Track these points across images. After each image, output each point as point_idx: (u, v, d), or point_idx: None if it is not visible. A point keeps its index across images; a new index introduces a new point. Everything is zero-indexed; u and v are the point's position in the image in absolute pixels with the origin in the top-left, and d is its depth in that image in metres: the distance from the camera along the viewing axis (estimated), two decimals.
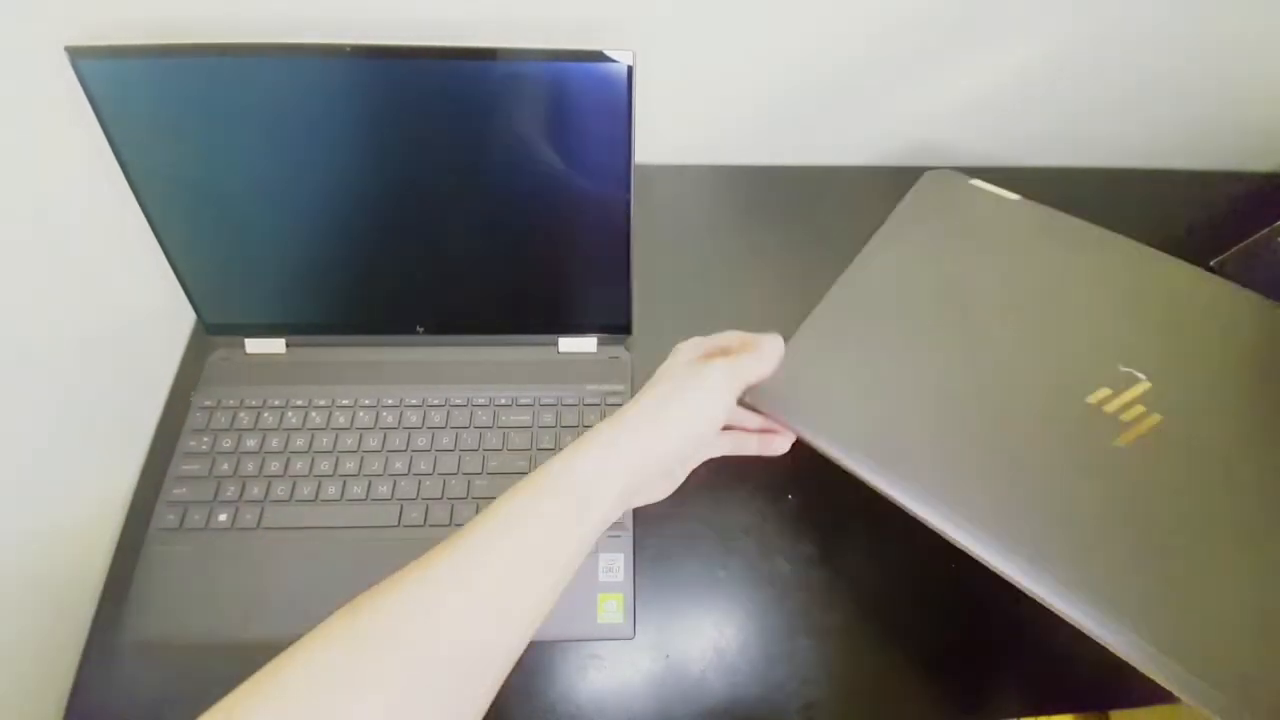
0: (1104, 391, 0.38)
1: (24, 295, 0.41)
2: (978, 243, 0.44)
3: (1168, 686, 0.31)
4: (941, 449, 0.37)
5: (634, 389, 0.53)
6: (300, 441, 0.50)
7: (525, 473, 0.48)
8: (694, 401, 0.34)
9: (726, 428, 0.40)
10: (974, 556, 0.35)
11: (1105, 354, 0.40)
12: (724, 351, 0.38)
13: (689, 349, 0.38)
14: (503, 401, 0.52)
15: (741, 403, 0.38)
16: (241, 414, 0.51)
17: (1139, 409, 0.38)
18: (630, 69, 0.41)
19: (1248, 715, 0.29)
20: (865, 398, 0.38)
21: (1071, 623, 0.33)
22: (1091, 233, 0.46)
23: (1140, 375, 0.39)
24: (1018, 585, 0.34)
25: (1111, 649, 0.32)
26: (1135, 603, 0.32)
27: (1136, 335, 0.40)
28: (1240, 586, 0.33)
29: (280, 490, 0.48)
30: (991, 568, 0.34)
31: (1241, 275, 0.60)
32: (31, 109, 0.42)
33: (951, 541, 0.35)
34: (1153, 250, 0.45)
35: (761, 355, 0.37)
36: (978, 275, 0.43)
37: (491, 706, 0.42)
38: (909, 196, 0.46)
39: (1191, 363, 0.40)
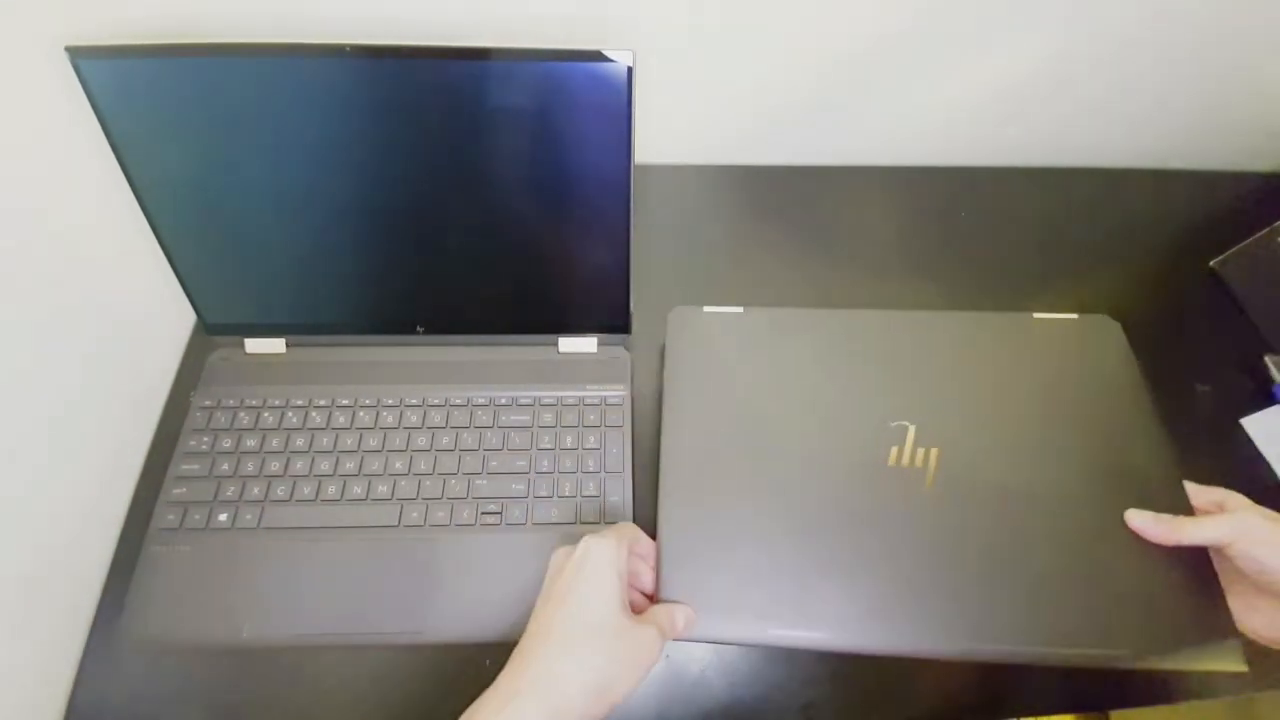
0: (894, 450, 0.42)
1: (24, 295, 0.42)
2: (740, 366, 0.47)
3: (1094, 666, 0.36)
4: (826, 583, 0.38)
5: (634, 389, 0.53)
6: (300, 441, 0.50)
7: (525, 473, 0.49)
8: (633, 680, 0.33)
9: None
10: (911, 657, 0.37)
11: (875, 417, 0.43)
12: (631, 553, 0.38)
13: (605, 577, 0.34)
14: (503, 401, 0.52)
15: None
16: (241, 414, 0.51)
17: (921, 451, 0.42)
18: (630, 69, 0.41)
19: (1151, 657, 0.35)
20: (742, 580, 0.38)
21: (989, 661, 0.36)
22: (814, 316, 0.49)
23: (906, 423, 0.43)
24: (951, 659, 0.37)
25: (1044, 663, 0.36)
26: (1033, 614, 0.36)
27: (887, 389, 0.44)
28: (1089, 551, 0.38)
29: (280, 490, 0.48)
30: (924, 657, 0.37)
31: (1241, 275, 0.61)
32: (31, 109, 0.42)
33: (890, 655, 0.37)
34: (866, 311, 0.49)
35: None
36: (756, 396, 0.45)
37: None
38: (666, 347, 0.48)
39: (934, 390, 0.44)
